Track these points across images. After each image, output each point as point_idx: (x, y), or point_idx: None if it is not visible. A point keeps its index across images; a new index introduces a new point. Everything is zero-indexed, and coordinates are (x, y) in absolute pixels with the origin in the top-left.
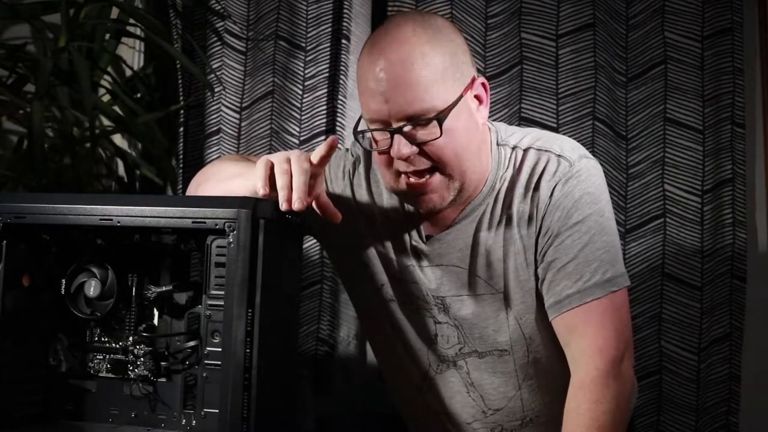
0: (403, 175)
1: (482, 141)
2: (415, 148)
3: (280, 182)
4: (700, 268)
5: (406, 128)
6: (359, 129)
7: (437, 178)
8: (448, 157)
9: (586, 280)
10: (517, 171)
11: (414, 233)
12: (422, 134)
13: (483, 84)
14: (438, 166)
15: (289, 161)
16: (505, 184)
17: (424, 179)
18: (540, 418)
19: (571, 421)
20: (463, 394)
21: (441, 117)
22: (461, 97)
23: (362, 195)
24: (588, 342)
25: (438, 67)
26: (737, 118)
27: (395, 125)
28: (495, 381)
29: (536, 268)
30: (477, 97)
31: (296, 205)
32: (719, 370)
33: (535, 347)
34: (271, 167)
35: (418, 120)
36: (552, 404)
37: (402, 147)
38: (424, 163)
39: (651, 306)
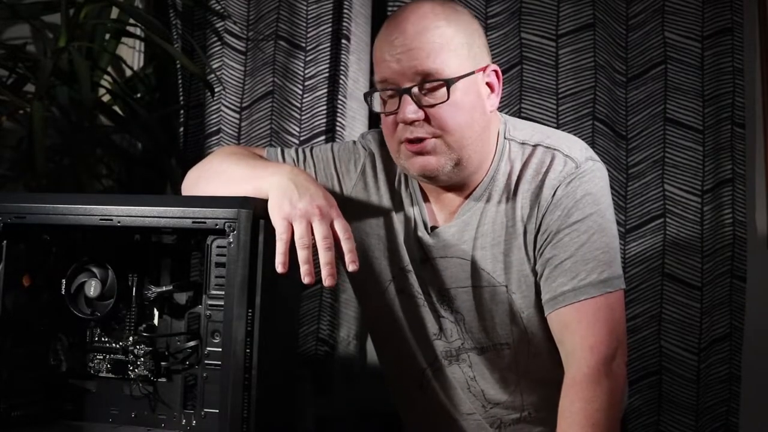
0: (404, 143)
1: (486, 126)
2: (421, 113)
3: (302, 256)
4: (700, 268)
5: (414, 89)
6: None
7: (436, 142)
8: (451, 125)
9: (581, 279)
10: (524, 167)
11: (420, 225)
12: (429, 99)
13: (496, 72)
14: (440, 134)
15: (311, 232)
16: (513, 178)
17: (423, 142)
18: (539, 412)
19: (564, 420)
20: (464, 388)
21: (449, 81)
22: (472, 73)
23: (374, 189)
24: (580, 339)
25: (451, 39)
26: (737, 118)
27: (405, 86)
28: (496, 375)
29: (535, 264)
30: (488, 84)
31: (327, 284)
32: (719, 370)
33: (537, 342)
34: (291, 233)
35: (427, 80)
36: (551, 398)
37: (408, 110)
38: (426, 131)
39: (651, 306)
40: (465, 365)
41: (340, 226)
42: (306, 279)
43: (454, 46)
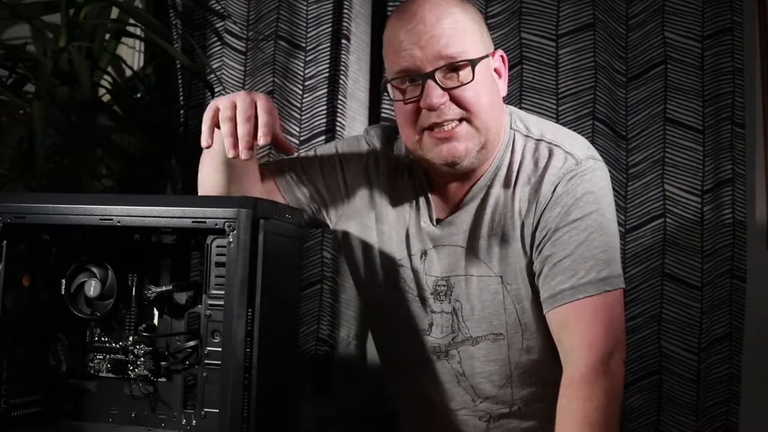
0: (427, 131)
1: (503, 111)
2: (446, 96)
3: (224, 129)
4: (700, 268)
5: (438, 73)
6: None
7: (464, 127)
8: (476, 106)
9: (580, 277)
10: (525, 160)
11: (425, 217)
12: (453, 82)
13: (502, 57)
14: (467, 116)
15: (234, 107)
16: (514, 170)
17: (450, 128)
18: (528, 407)
19: (563, 419)
20: (453, 383)
21: (474, 62)
22: (487, 56)
23: (375, 185)
24: (578, 338)
25: (467, 25)
26: (737, 118)
27: (428, 70)
28: (487, 369)
29: (532, 260)
30: (496, 70)
31: (243, 156)
32: (719, 370)
33: (530, 335)
34: (217, 112)
35: (453, 63)
36: (542, 394)
37: (434, 94)
38: (453, 112)
39: (651, 306)
40: (454, 361)
41: (261, 101)
42: (230, 153)
43: (470, 31)
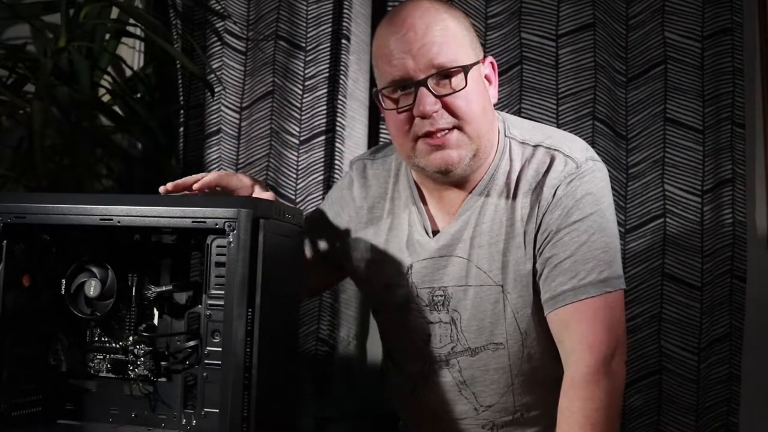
0: (420, 140)
1: (494, 118)
2: (439, 104)
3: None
4: (700, 268)
5: (431, 80)
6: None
7: (456, 134)
8: (468, 113)
9: (581, 278)
10: (525, 167)
11: (420, 229)
12: (445, 89)
13: (492, 63)
14: (459, 124)
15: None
16: (513, 177)
17: (443, 135)
18: (531, 413)
19: (564, 420)
20: (454, 392)
21: (466, 68)
22: (478, 63)
23: (360, 217)
24: (579, 339)
25: (457, 31)
26: (737, 118)
27: (420, 78)
28: (487, 378)
29: (534, 263)
30: (486, 77)
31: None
32: (719, 370)
33: (530, 342)
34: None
35: (445, 71)
36: (544, 399)
37: (426, 102)
38: (446, 120)
39: (651, 306)
40: (455, 370)
41: (220, 172)
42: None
43: (460, 38)
